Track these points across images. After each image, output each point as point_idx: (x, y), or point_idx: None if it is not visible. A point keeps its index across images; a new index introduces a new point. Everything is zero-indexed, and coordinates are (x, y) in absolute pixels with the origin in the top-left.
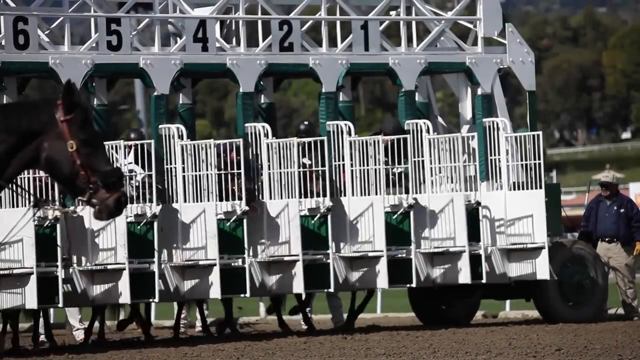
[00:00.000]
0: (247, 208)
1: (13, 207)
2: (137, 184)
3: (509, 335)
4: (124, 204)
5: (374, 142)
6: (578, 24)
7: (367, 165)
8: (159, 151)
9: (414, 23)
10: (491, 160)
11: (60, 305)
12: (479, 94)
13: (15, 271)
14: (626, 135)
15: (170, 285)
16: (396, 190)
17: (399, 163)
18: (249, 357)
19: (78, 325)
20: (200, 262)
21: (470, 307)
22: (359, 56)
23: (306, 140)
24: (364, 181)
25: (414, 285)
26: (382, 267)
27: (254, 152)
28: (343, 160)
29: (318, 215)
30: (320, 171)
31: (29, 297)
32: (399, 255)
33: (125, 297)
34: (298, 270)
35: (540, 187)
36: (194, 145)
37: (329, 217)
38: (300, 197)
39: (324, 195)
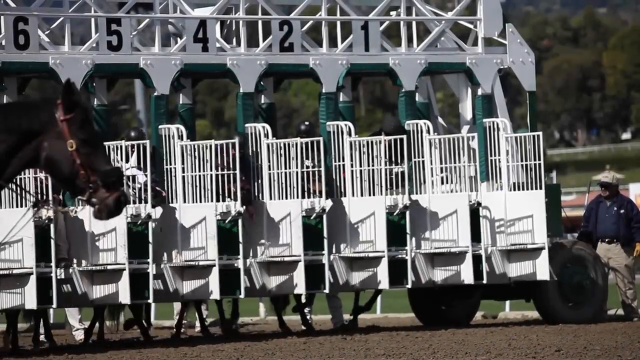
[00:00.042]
0: (242, 209)
1: (13, 207)
2: (139, 186)
3: (509, 336)
4: (123, 204)
5: (373, 142)
6: (578, 25)
7: (368, 165)
8: (159, 151)
9: (414, 23)
10: (491, 160)
11: (54, 305)
12: (479, 94)
13: (14, 271)
14: (626, 135)
15: (169, 285)
16: (398, 191)
17: (400, 163)
18: (249, 358)
19: (78, 326)
20: (200, 263)
21: (470, 307)
22: (359, 56)
23: (306, 140)
24: (365, 181)
25: (409, 286)
26: (382, 267)
27: (254, 151)
28: (343, 160)
29: (314, 216)
30: (319, 172)
31: (29, 297)
32: (400, 256)
33: (125, 298)
34: (299, 270)
35: (541, 188)
36: (194, 146)
37: (324, 217)
38: (302, 197)
39: (320, 196)
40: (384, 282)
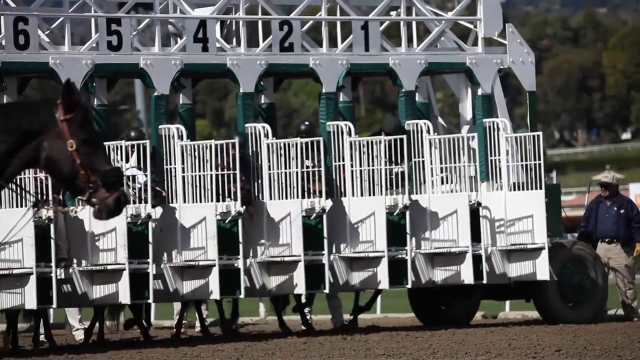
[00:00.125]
0: (242, 209)
1: (13, 207)
2: (139, 186)
3: (509, 336)
4: (123, 204)
5: (373, 142)
6: (578, 25)
7: (368, 165)
8: (159, 151)
9: (414, 23)
10: (491, 160)
11: (54, 305)
12: (479, 94)
13: (14, 271)
14: (626, 135)
15: (169, 285)
16: (398, 191)
17: (400, 163)
18: (249, 358)
19: (78, 326)
20: (200, 263)
21: (470, 307)
22: (359, 56)
23: (306, 140)
24: (365, 181)
25: (409, 286)
26: (382, 267)
27: (254, 151)
28: (343, 160)
29: (314, 216)
30: (319, 172)
31: (29, 297)
32: (400, 256)
33: (125, 298)
34: (299, 270)
35: (541, 188)
36: (194, 146)
37: (324, 217)
38: (302, 197)
39: (320, 196)
40: (384, 282)
